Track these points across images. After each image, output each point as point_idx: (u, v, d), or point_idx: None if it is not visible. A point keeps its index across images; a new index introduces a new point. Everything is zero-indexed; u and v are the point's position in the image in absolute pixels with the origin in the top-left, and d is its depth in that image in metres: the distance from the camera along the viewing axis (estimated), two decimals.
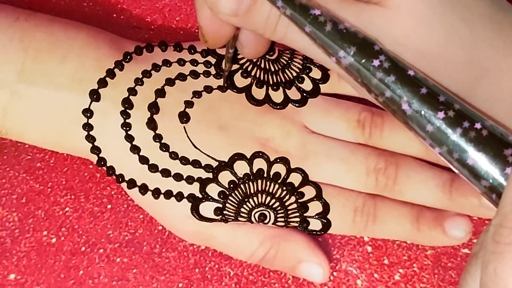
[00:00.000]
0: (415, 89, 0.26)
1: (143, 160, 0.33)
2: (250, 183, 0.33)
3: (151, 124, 0.33)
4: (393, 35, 0.27)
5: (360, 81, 0.26)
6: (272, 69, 0.35)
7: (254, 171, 0.33)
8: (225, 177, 0.33)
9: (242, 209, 0.33)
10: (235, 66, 0.35)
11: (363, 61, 0.26)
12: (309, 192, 0.33)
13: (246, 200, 0.33)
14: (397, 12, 0.27)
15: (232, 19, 0.28)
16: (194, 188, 0.33)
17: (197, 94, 0.34)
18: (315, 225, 0.33)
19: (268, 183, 0.33)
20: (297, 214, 0.33)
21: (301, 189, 0.33)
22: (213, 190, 0.33)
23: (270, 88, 0.34)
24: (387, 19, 0.27)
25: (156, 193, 0.33)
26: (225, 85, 0.34)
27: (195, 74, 0.34)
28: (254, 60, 0.35)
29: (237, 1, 0.27)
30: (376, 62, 0.26)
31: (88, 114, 0.33)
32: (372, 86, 0.26)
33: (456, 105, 0.25)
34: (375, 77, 0.26)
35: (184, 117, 0.33)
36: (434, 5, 0.27)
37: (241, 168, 0.33)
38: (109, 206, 0.35)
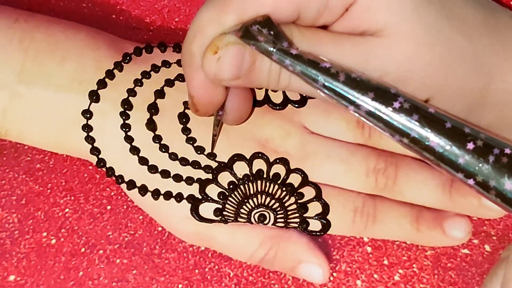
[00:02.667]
0: (440, 125, 0.26)
1: (143, 161, 0.33)
2: (250, 184, 0.33)
3: (151, 125, 0.33)
4: (397, 63, 0.27)
5: (381, 126, 0.26)
6: None
7: (254, 172, 0.33)
8: (224, 178, 0.33)
9: (242, 210, 0.33)
10: None
11: (383, 105, 0.26)
12: (308, 192, 0.33)
13: (245, 200, 0.33)
14: (396, 39, 0.27)
15: (234, 82, 0.28)
16: (194, 189, 0.33)
17: None
18: (315, 225, 0.33)
19: (267, 183, 0.33)
20: (297, 214, 0.33)
21: (300, 190, 0.33)
22: (212, 191, 0.33)
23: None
24: (388, 48, 0.27)
25: (156, 194, 0.33)
26: (212, 150, 0.33)
27: None
28: None
29: (237, 66, 0.27)
30: (396, 104, 0.26)
31: (88, 115, 0.33)
32: (394, 129, 0.26)
33: (482, 134, 0.25)
34: (396, 120, 0.26)
35: (183, 118, 0.33)
36: (431, 25, 0.27)
37: (240, 169, 0.33)
38: (108, 207, 0.35)
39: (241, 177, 0.33)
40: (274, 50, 0.26)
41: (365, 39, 0.27)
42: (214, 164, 0.33)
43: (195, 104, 0.30)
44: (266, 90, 0.34)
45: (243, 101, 0.32)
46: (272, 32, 0.26)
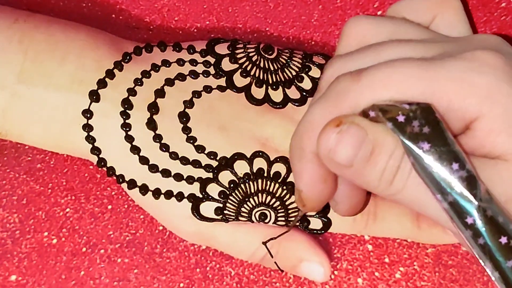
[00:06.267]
0: None
1: (143, 160, 0.33)
2: (251, 183, 0.33)
3: (151, 124, 0.33)
4: None
5: None
6: (272, 68, 0.35)
7: (255, 171, 0.33)
8: (225, 176, 0.33)
9: (243, 209, 0.33)
10: (234, 66, 0.35)
11: None
12: None
13: (246, 199, 0.33)
14: None
15: (344, 170, 0.26)
16: (195, 188, 0.33)
17: (196, 94, 0.34)
18: (316, 224, 0.33)
19: (268, 182, 0.33)
20: (298, 213, 0.33)
21: None
22: (213, 190, 0.33)
23: (269, 87, 0.34)
24: None
25: (157, 193, 0.33)
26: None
27: (194, 74, 0.34)
28: (254, 60, 0.35)
29: (354, 148, 0.25)
30: None
31: (88, 115, 0.33)
32: None
33: None
34: None
35: (183, 117, 0.33)
36: None
37: (241, 167, 0.33)
38: (109, 207, 0.35)
39: (241, 176, 0.33)
40: (432, 150, 0.24)
41: (491, 162, 0.25)
42: (214, 163, 0.33)
43: (303, 199, 0.29)
44: (266, 88, 0.34)
45: (355, 191, 0.30)
46: (428, 127, 0.24)
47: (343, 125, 0.25)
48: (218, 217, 0.33)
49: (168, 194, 0.33)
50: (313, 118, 0.27)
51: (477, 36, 0.29)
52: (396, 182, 0.25)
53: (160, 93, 0.34)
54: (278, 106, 0.34)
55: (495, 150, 0.25)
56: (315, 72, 0.35)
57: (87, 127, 0.33)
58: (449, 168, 0.24)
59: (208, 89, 0.34)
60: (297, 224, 0.33)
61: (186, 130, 0.33)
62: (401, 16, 0.31)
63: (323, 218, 0.33)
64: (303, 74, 0.35)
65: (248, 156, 0.33)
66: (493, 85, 0.25)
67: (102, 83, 0.33)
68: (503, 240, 0.24)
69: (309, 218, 0.33)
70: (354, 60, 0.28)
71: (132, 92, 0.34)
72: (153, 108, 0.33)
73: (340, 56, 0.29)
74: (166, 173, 0.33)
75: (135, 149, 0.33)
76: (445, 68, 0.25)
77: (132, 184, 0.33)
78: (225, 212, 0.33)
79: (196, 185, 0.33)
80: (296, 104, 0.34)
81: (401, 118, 0.24)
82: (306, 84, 0.35)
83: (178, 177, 0.33)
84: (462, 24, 0.30)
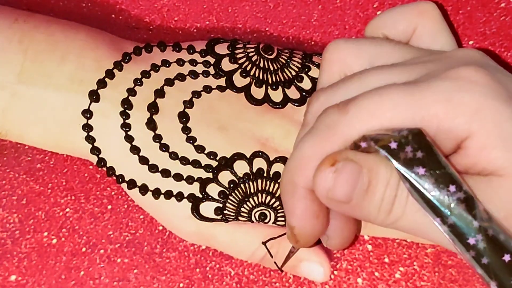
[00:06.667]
0: None
1: (143, 160, 0.33)
2: (250, 183, 0.33)
3: (151, 124, 0.33)
4: None
5: None
6: (271, 68, 0.35)
7: (254, 171, 0.33)
8: (225, 177, 0.33)
9: (243, 209, 0.33)
10: (234, 66, 0.35)
11: None
12: None
13: (246, 199, 0.33)
14: None
15: (343, 206, 0.26)
16: (194, 188, 0.33)
17: (196, 94, 0.34)
18: None
19: (268, 182, 0.33)
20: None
21: None
22: (213, 190, 0.33)
23: (269, 87, 0.34)
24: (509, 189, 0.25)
25: (156, 193, 0.33)
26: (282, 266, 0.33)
27: (194, 74, 0.34)
28: (253, 60, 0.35)
29: (352, 184, 0.25)
30: None
31: (88, 115, 0.33)
32: None
33: None
34: None
35: (183, 117, 0.33)
36: None
37: (241, 167, 0.33)
38: (109, 207, 0.35)
39: (241, 176, 0.33)
40: (427, 174, 0.24)
41: (485, 179, 0.25)
42: (214, 163, 0.33)
43: (296, 235, 0.29)
44: (266, 89, 0.34)
45: (347, 225, 0.30)
46: (421, 152, 0.24)
47: (338, 163, 0.25)
48: (218, 217, 0.33)
49: (168, 194, 0.33)
50: (304, 153, 0.27)
51: (458, 51, 0.29)
52: (395, 210, 0.26)
53: (160, 93, 0.34)
54: (278, 106, 0.34)
55: (489, 167, 0.25)
56: (314, 72, 0.35)
57: (87, 127, 0.33)
58: (446, 191, 0.24)
59: (207, 89, 0.34)
60: None
61: (186, 130, 0.33)
62: (381, 31, 0.31)
63: None
64: (302, 74, 0.35)
65: (248, 156, 0.33)
66: (480, 102, 0.25)
67: (102, 83, 0.33)
68: (507, 257, 0.24)
69: None
70: (339, 92, 0.28)
71: (132, 92, 0.34)
72: (153, 108, 0.33)
73: (325, 89, 0.29)
74: (166, 173, 0.33)
75: (135, 149, 0.33)
76: (431, 90, 0.25)
77: (132, 184, 0.33)
78: (225, 212, 0.33)
79: (196, 185, 0.33)
80: (296, 104, 0.34)
81: (393, 145, 0.25)
82: (306, 84, 0.35)
83: (178, 177, 0.33)
84: (443, 33, 0.31)
